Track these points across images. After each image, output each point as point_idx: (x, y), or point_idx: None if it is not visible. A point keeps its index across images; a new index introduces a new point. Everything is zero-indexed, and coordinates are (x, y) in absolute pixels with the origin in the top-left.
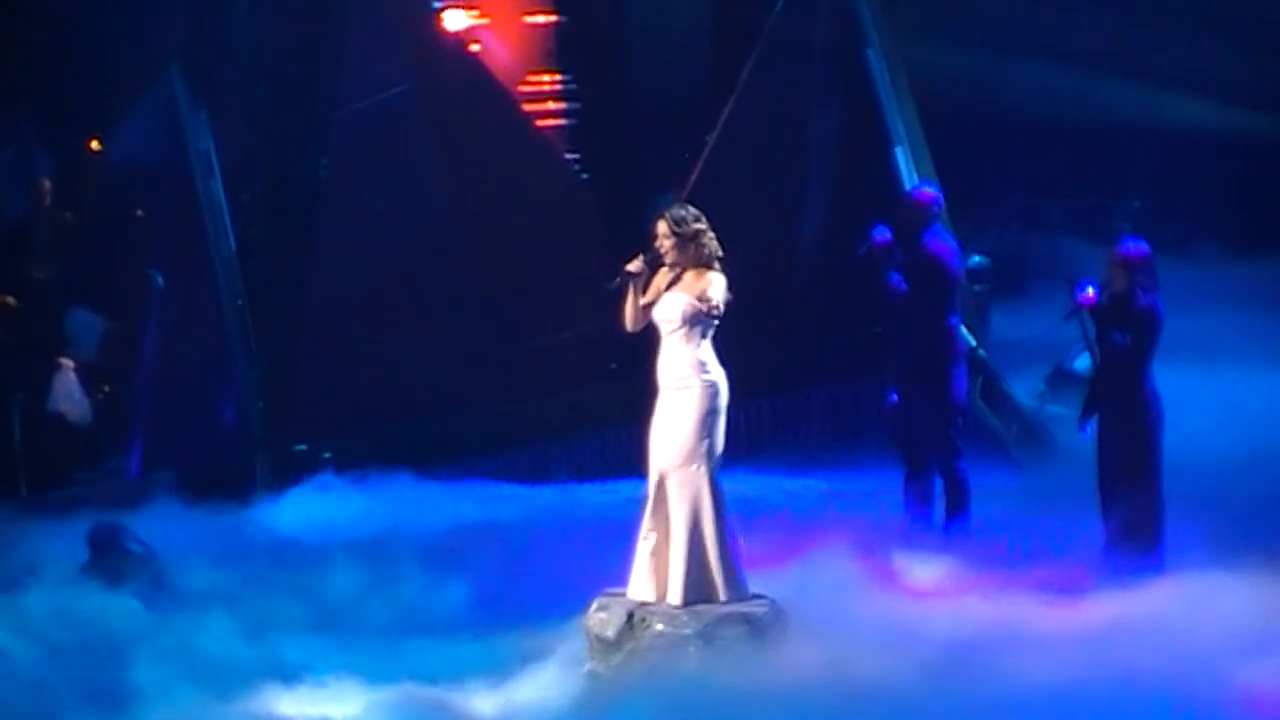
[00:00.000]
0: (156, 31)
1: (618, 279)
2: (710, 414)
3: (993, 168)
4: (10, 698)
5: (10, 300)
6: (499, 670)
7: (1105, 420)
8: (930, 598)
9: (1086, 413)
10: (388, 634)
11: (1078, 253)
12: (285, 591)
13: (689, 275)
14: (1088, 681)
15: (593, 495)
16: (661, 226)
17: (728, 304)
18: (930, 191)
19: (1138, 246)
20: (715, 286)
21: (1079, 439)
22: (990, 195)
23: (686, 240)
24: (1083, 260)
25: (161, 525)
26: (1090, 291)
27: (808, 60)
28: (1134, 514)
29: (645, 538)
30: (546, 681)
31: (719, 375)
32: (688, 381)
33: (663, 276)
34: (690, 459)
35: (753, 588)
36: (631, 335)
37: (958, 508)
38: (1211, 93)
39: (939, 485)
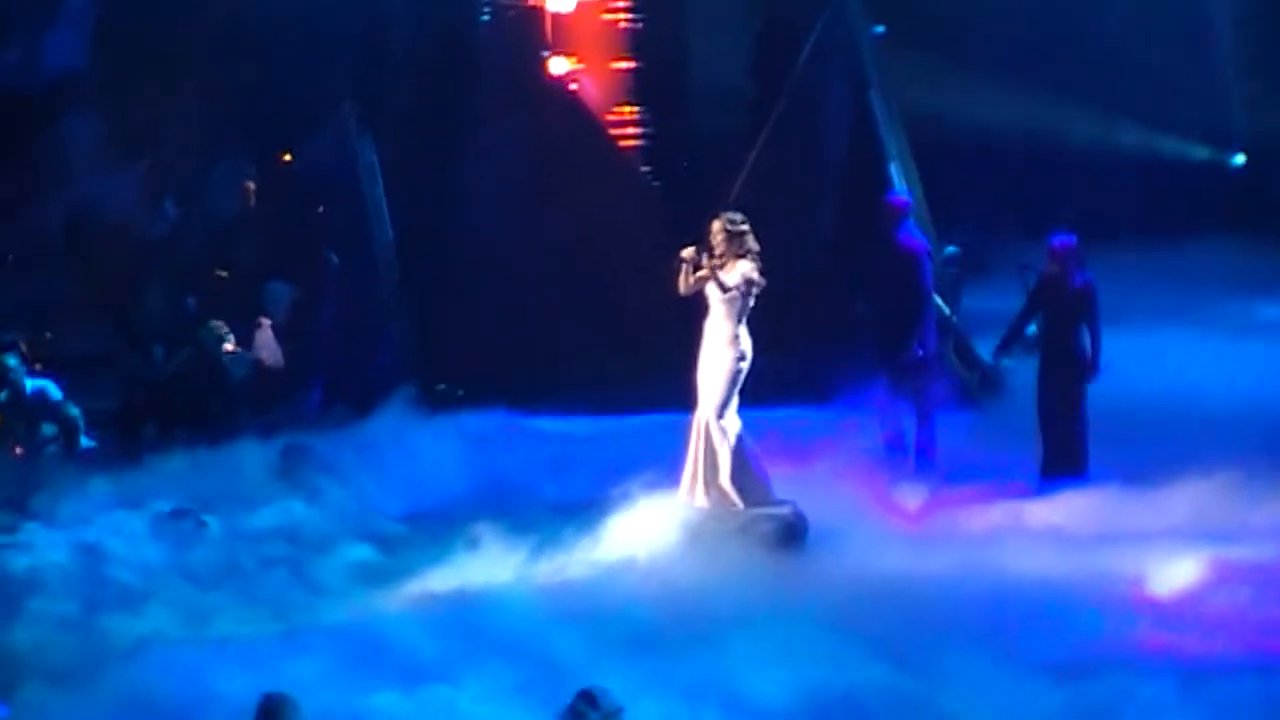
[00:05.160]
0: (334, 73)
1: (687, 251)
2: (742, 361)
3: (964, 182)
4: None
5: (223, 274)
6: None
7: (1044, 371)
8: (909, 502)
9: (1003, 348)
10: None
11: (1025, 245)
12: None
13: (730, 263)
14: (1040, 569)
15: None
16: (717, 224)
17: (759, 283)
18: (902, 197)
19: (1065, 239)
20: (745, 269)
21: (1026, 384)
22: (961, 202)
23: (735, 236)
24: (1029, 251)
25: (337, 443)
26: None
27: (825, 98)
28: (1065, 441)
29: (708, 454)
30: (617, 562)
31: (747, 338)
32: (730, 341)
33: (710, 263)
34: (732, 398)
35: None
36: (685, 298)
37: (927, 437)
38: (1129, 121)
39: (915, 419)
